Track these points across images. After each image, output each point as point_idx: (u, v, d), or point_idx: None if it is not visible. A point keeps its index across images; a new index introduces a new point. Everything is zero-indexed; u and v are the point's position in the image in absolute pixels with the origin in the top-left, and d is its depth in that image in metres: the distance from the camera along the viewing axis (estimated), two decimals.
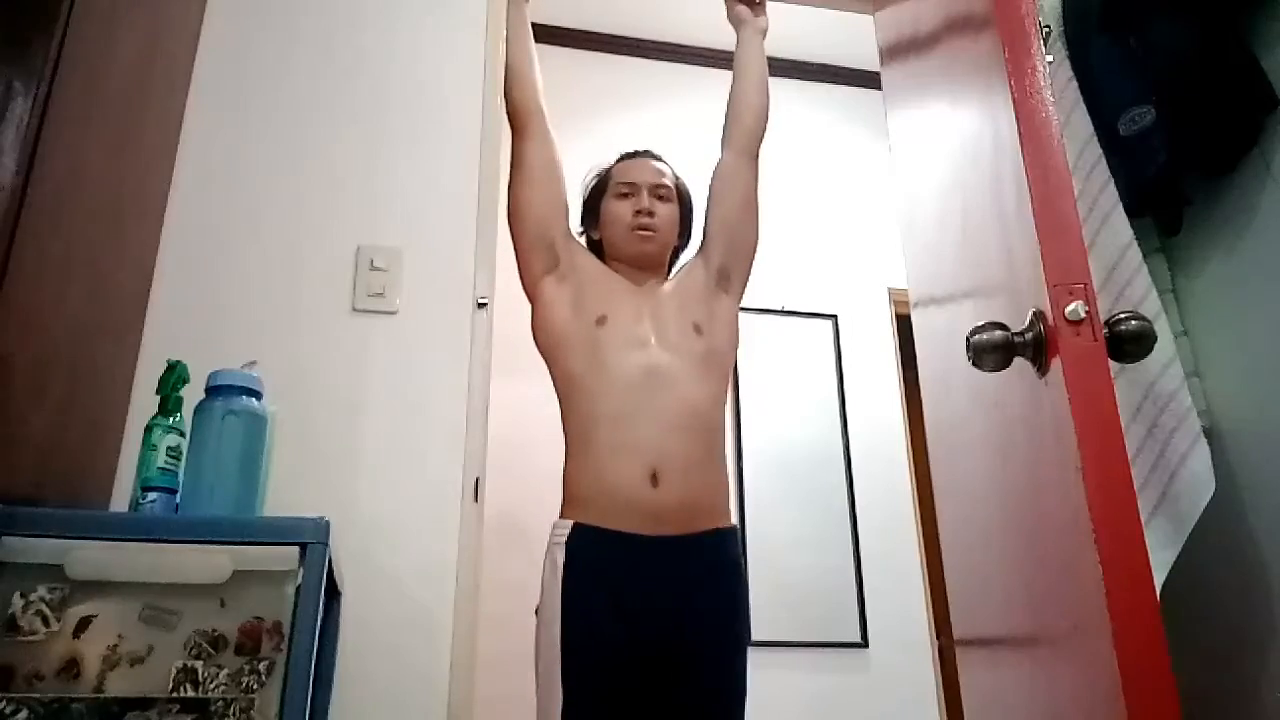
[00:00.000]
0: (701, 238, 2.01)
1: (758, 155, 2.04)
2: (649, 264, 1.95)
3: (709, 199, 2.02)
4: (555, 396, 1.82)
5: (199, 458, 1.25)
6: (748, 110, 2.06)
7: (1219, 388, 1.73)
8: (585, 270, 1.89)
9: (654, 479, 1.66)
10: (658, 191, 1.97)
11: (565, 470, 1.74)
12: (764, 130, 2.06)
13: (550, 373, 1.84)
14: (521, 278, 1.88)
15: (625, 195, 1.96)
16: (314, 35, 1.84)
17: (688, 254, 2.04)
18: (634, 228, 1.92)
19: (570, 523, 1.67)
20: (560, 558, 1.63)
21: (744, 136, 2.04)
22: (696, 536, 1.69)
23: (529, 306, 1.94)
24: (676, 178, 2.04)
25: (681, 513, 1.68)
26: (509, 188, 1.87)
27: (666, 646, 1.61)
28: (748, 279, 2.00)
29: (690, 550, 1.68)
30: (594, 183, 2.06)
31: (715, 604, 1.68)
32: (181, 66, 1.70)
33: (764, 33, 2.16)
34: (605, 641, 1.59)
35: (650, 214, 1.93)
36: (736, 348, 1.94)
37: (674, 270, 2.00)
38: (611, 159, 2.07)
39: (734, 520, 1.81)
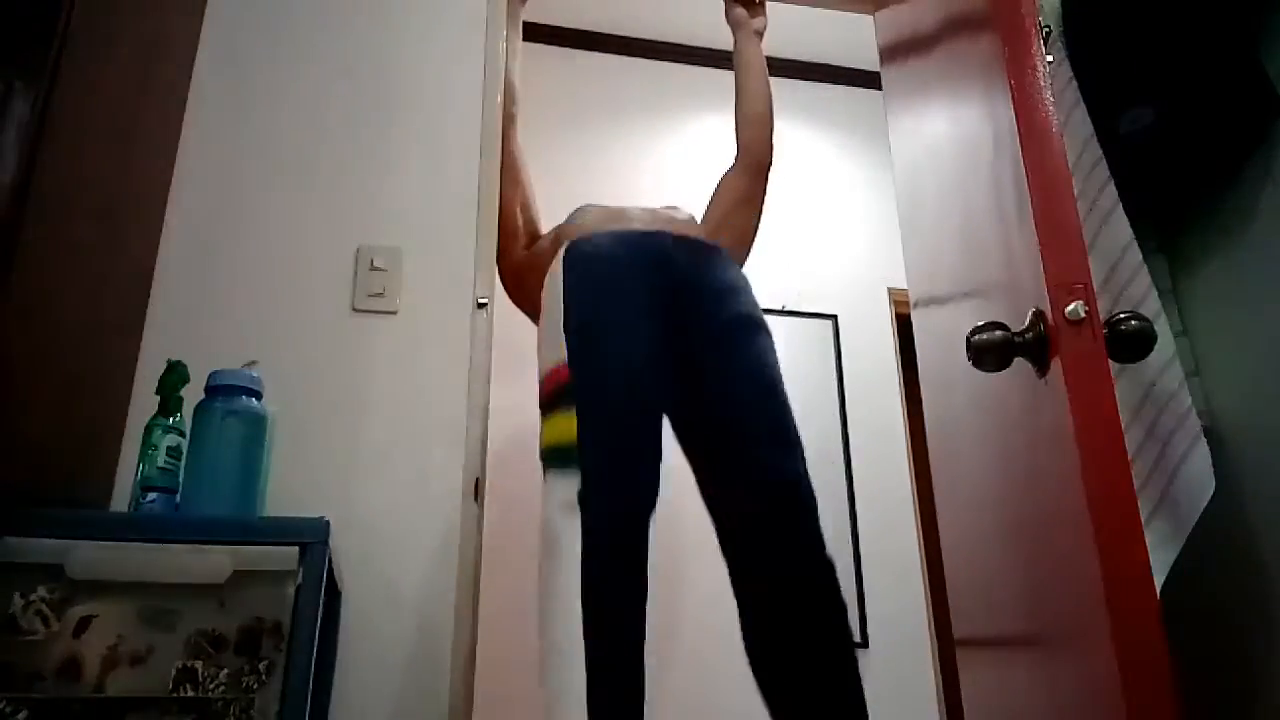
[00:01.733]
0: None
1: (764, 166, 2.05)
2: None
3: (708, 202, 2.05)
4: None
5: (199, 458, 1.25)
6: (749, 122, 2.07)
7: (1219, 388, 1.73)
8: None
9: (646, 212, 1.80)
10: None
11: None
12: (768, 139, 2.06)
13: (524, 287, 1.86)
14: (501, 272, 1.89)
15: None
16: (314, 36, 1.84)
17: None
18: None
19: (568, 241, 1.69)
20: (560, 268, 1.62)
21: (745, 148, 2.06)
22: (698, 238, 1.77)
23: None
24: None
25: (679, 226, 1.77)
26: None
27: (690, 310, 1.63)
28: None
29: (693, 241, 1.75)
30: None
31: (728, 281, 1.71)
32: (181, 67, 1.70)
33: (761, 34, 2.16)
34: (612, 313, 1.55)
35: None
36: None
37: None
38: None
39: None
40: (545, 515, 1.41)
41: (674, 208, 1.95)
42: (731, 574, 1.56)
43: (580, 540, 1.35)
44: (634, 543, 1.40)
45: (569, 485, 1.39)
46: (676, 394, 1.60)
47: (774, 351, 1.68)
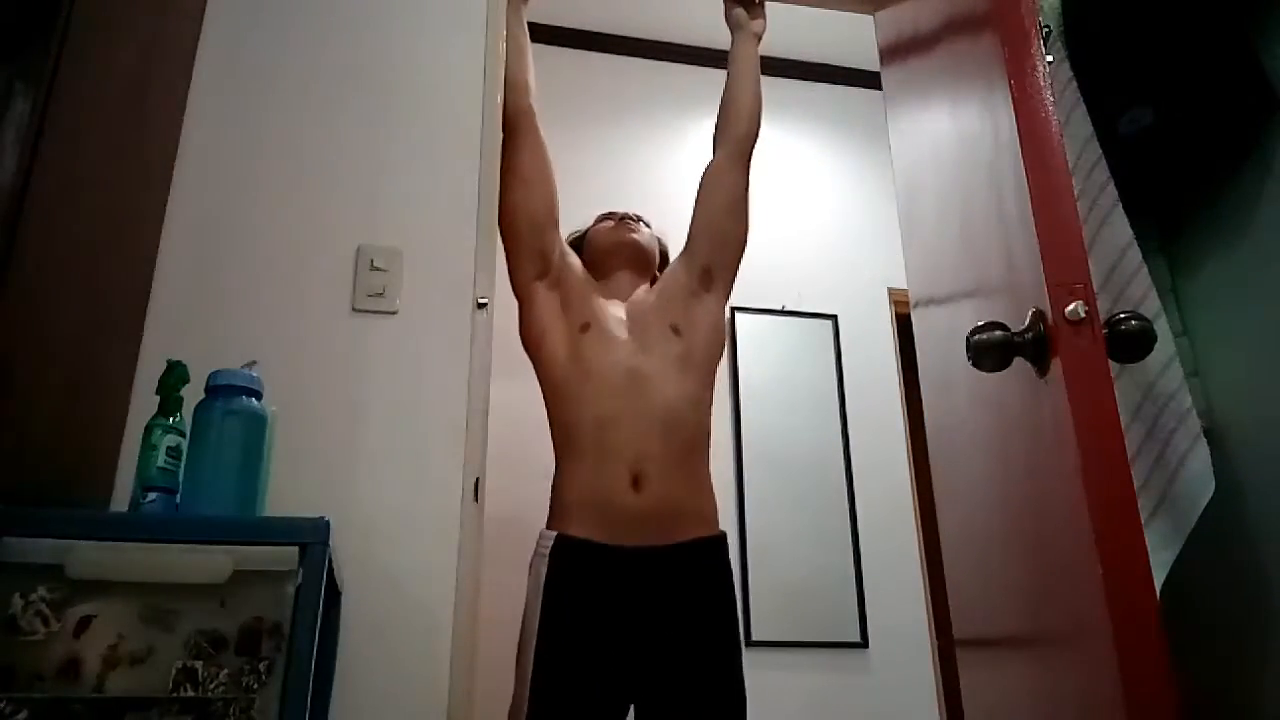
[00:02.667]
0: (687, 238, 2.02)
1: (748, 158, 2.05)
2: (634, 255, 2.00)
3: (697, 199, 2.05)
4: (553, 492, 1.83)
5: (199, 458, 1.25)
6: (740, 114, 2.06)
7: (1219, 388, 1.73)
8: (574, 279, 1.93)
9: (635, 483, 1.68)
10: (637, 216, 2.08)
11: (553, 479, 1.77)
12: (756, 134, 2.06)
13: (537, 375, 1.87)
14: (512, 278, 1.91)
15: (606, 219, 2.07)
16: (314, 35, 1.84)
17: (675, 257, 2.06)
18: (617, 226, 2.03)
19: (554, 534, 1.69)
20: (543, 570, 1.66)
21: (735, 140, 2.05)
22: (681, 546, 1.69)
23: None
24: (657, 232, 2.13)
25: (664, 518, 1.69)
26: (500, 191, 1.87)
27: (654, 659, 1.61)
28: (733, 279, 2.01)
29: (674, 561, 1.68)
30: (577, 237, 2.10)
31: (702, 613, 1.68)
32: (181, 67, 1.70)
33: (760, 36, 2.16)
34: (581, 657, 1.60)
35: (632, 219, 2.04)
36: (721, 347, 1.95)
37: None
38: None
39: (723, 526, 1.80)
40: None
41: (666, 299, 1.89)
42: None
43: None
44: None
45: None
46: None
47: (742, 681, 1.67)
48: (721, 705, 1.63)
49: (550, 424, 1.82)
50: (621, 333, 1.85)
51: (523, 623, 1.67)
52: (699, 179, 2.07)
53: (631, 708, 1.65)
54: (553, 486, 1.77)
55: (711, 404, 1.88)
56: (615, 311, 1.89)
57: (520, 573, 1.73)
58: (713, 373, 1.91)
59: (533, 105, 1.95)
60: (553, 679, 1.58)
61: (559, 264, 1.92)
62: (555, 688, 1.58)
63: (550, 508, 1.75)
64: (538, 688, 1.57)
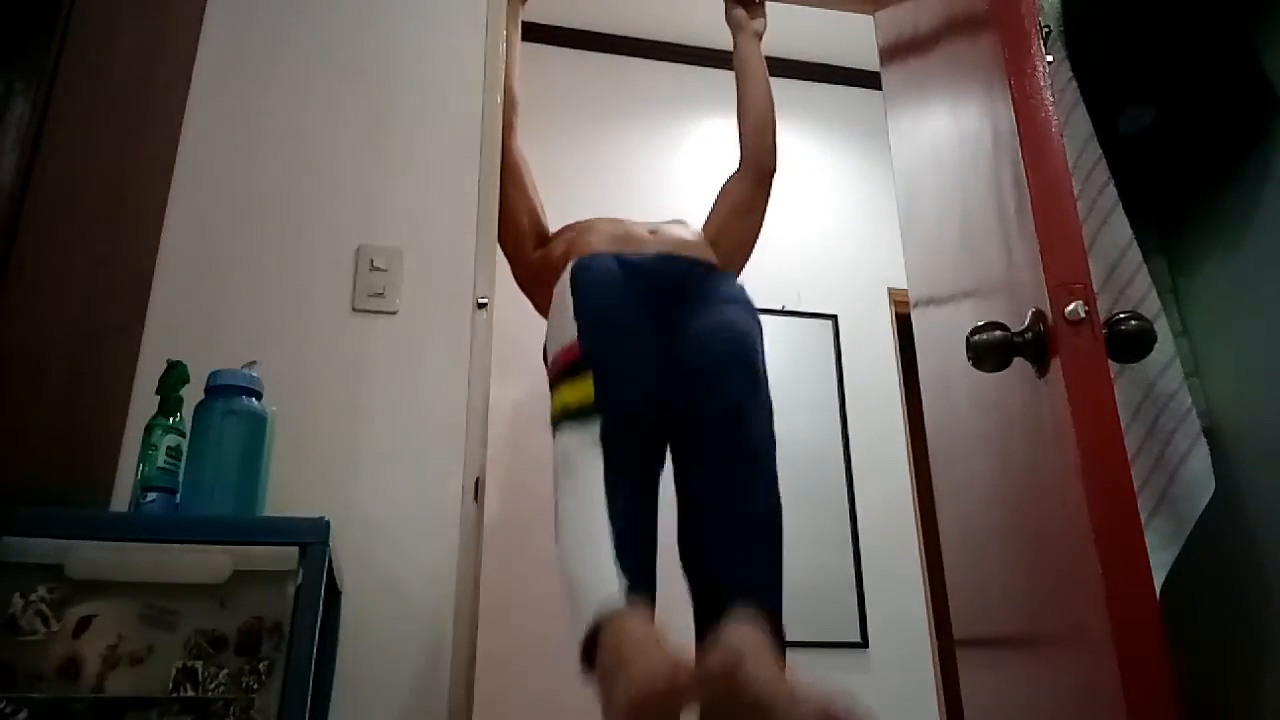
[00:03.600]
0: None
1: (768, 172, 2.04)
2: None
3: (712, 204, 2.06)
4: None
5: (199, 458, 1.25)
6: (753, 129, 2.07)
7: (1219, 388, 1.72)
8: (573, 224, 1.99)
9: (652, 232, 1.80)
10: None
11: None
12: (771, 145, 2.05)
13: (538, 291, 1.88)
14: (516, 260, 1.96)
15: None
16: (314, 36, 1.84)
17: None
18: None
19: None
20: (567, 274, 1.63)
21: (749, 154, 2.06)
22: (702, 260, 1.77)
23: (529, 306, 1.95)
24: None
25: (682, 248, 1.77)
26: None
27: (679, 309, 1.63)
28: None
29: (693, 262, 1.75)
30: None
31: (722, 292, 1.70)
32: (181, 67, 1.70)
33: (761, 36, 2.15)
34: (616, 302, 1.59)
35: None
36: None
37: None
38: None
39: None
40: (561, 453, 1.44)
41: (680, 222, 1.95)
42: (675, 477, 1.54)
43: (600, 464, 1.38)
44: (655, 445, 1.50)
45: (588, 430, 1.42)
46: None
47: (753, 325, 1.66)
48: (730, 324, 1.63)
49: (552, 273, 1.76)
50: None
51: (549, 325, 1.64)
52: (715, 184, 2.09)
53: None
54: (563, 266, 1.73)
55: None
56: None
57: (520, 572, 1.73)
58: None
59: (514, 120, 1.99)
60: (596, 330, 1.54)
61: (555, 236, 1.99)
62: (600, 334, 1.54)
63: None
64: (585, 335, 1.52)
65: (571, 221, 1.99)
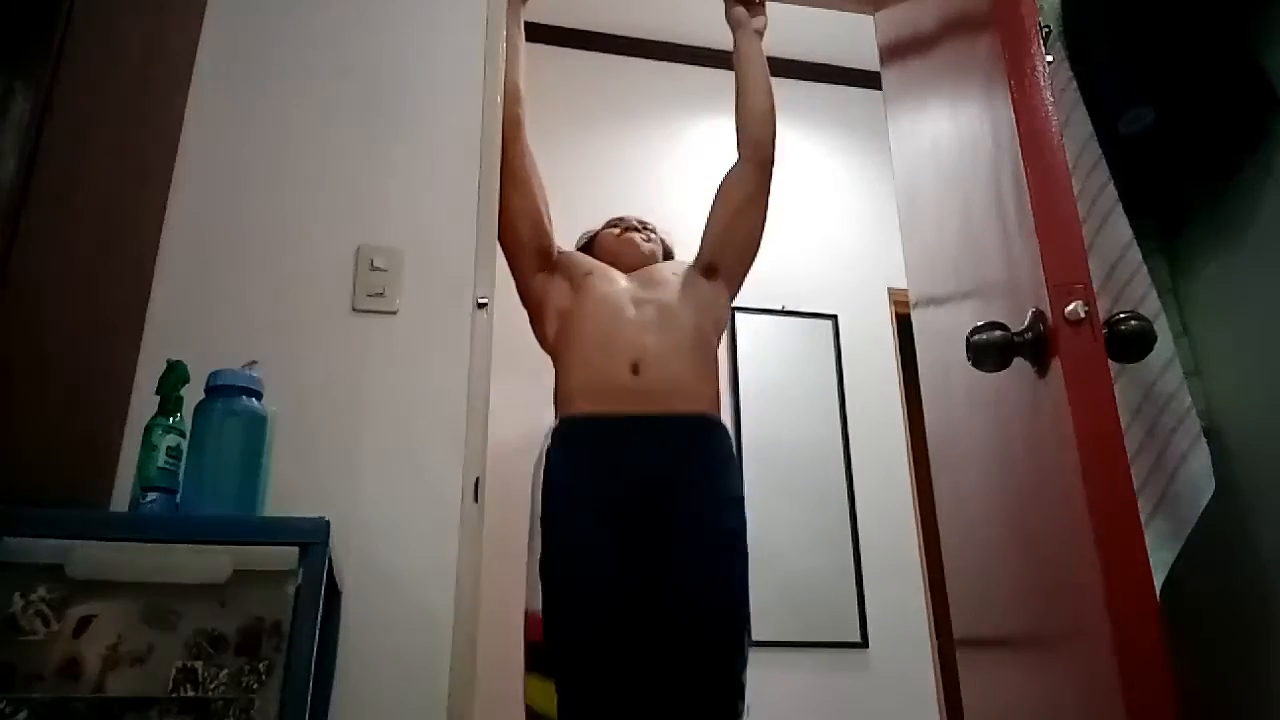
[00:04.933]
0: (700, 242, 2.04)
1: (767, 161, 2.06)
2: (637, 262, 2.03)
3: (712, 201, 2.06)
4: (555, 397, 1.84)
5: (199, 458, 1.25)
6: (751, 118, 2.08)
7: (1219, 388, 1.72)
8: (574, 257, 2.02)
9: (635, 369, 1.75)
10: (643, 224, 2.11)
11: (555, 379, 1.84)
12: (770, 136, 2.07)
13: (547, 342, 1.92)
14: (516, 276, 1.97)
15: (613, 226, 2.10)
16: (314, 35, 1.84)
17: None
18: (622, 234, 2.07)
19: (557, 420, 1.76)
20: (547, 443, 1.73)
21: (750, 144, 2.07)
22: (679, 417, 1.75)
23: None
24: (662, 234, 2.15)
25: (662, 395, 1.75)
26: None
27: (654, 509, 1.65)
28: (738, 278, 2.04)
29: (674, 427, 1.74)
30: (585, 240, 2.15)
31: (702, 472, 1.72)
32: (182, 67, 1.70)
33: (761, 34, 2.16)
34: (586, 505, 1.65)
35: (636, 228, 2.08)
36: (722, 317, 2.00)
37: None
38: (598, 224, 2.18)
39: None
40: None
41: (667, 280, 1.92)
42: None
43: None
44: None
45: None
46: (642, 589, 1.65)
47: (744, 539, 1.74)
48: (713, 563, 1.68)
49: (554, 355, 1.88)
50: (624, 281, 1.93)
51: (531, 506, 1.72)
52: (708, 179, 2.09)
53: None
54: (554, 389, 1.83)
55: (716, 341, 1.93)
56: (619, 272, 1.97)
57: (520, 572, 1.73)
58: (715, 319, 1.94)
59: (521, 114, 1.98)
60: (562, 523, 1.63)
61: (558, 257, 1.99)
62: (565, 530, 1.63)
63: (554, 407, 1.82)
64: (549, 528, 1.62)
65: (570, 254, 2.01)
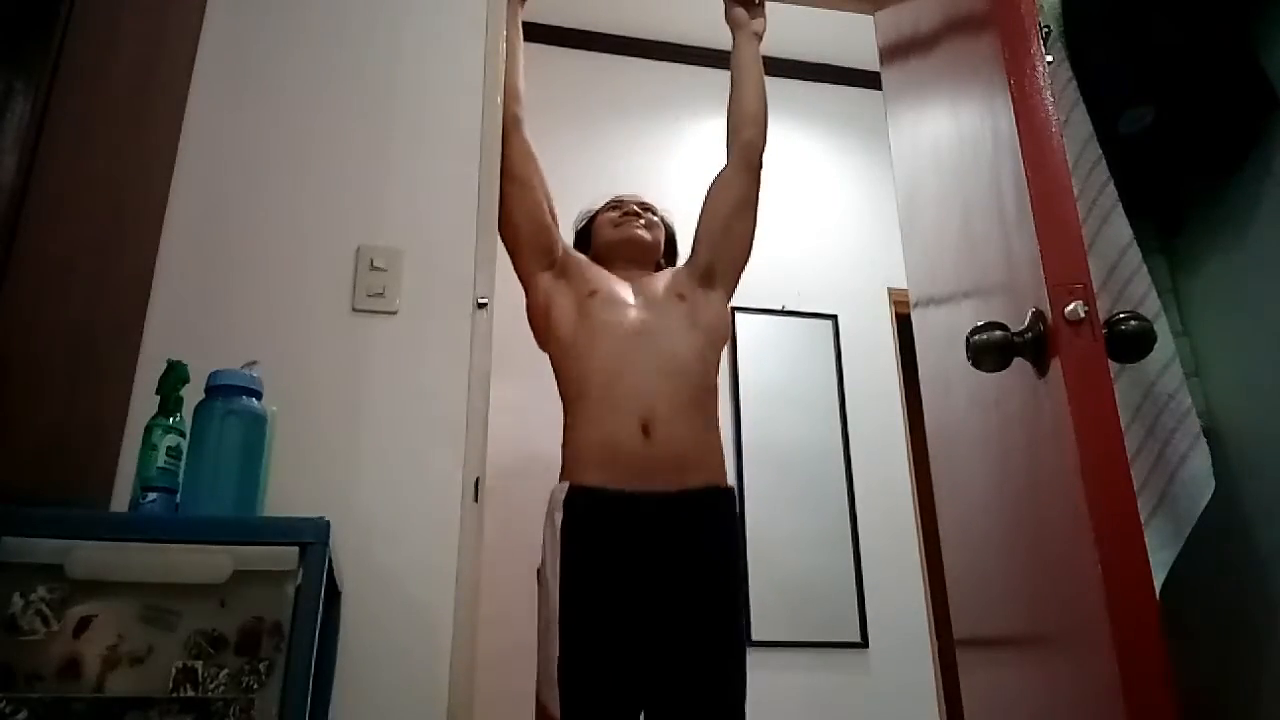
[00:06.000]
0: (692, 245, 2.04)
1: (758, 164, 2.06)
2: (638, 253, 2.02)
3: (703, 203, 2.06)
4: (556, 396, 1.84)
5: (199, 458, 1.25)
6: (744, 121, 2.08)
7: (1219, 388, 1.73)
8: (578, 263, 1.98)
9: (645, 430, 1.72)
10: (644, 206, 2.09)
11: (563, 434, 1.80)
12: (762, 140, 2.07)
13: (543, 345, 1.91)
14: (519, 273, 1.96)
15: (613, 209, 2.08)
16: (314, 36, 1.84)
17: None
18: (621, 221, 2.04)
19: (568, 484, 1.72)
20: (559, 518, 1.69)
21: (741, 147, 2.07)
22: (690, 493, 1.74)
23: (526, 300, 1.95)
24: (663, 213, 2.14)
25: (674, 466, 1.73)
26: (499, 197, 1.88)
27: (663, 600, 1.65)
28: (735, 282, 2.03)
29: (684, 507, 1.72)
30: (584, 221, 2.14)
31: (709, 560, 1.73)
32: (182, 66, 1.70)
33: (760, 36, 2.16)
34: (603, 597, 1.63)
35: (636, 213, 2.05)
36: (724, 336, 1.99)
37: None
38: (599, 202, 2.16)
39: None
40: None
41: (674, 330, 1.88)
42: None
43: None
44: None
45: None
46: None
47: (741, 630, 1.78)
48: (722, 651, 1.68)
49: (559, 380, 1.86)
50: (629, 296, 1.90)
51: (541, 575, 1.69)
52: (707, 179, 2.08)
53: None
54: (563, 441, 1.80)
55: (717, 371, 1.92)
56: (622, 284, 1.94)
57: (520, 571, 1.73)
58: (717, 346, 1.93)
59: (520, 113, 1.98)
60: (580, 620, 1.61)
61: (563, 257, 1.97)
62: (583, 628, 1.61)
63: (562, 459, 1.78)
64: (567, 627, 1.60)
65: (575, 258, 1.99)
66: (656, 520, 1.69)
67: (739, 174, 2.04)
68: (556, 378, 1.87)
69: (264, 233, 1.68)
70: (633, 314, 1.87)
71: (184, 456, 1.26)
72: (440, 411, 1.61)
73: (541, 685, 1.62)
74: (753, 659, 1.72)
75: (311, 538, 1.14)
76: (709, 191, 2.06)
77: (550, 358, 1.89)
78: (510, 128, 1.92)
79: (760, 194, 2.05)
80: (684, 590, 1.66)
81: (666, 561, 1.67)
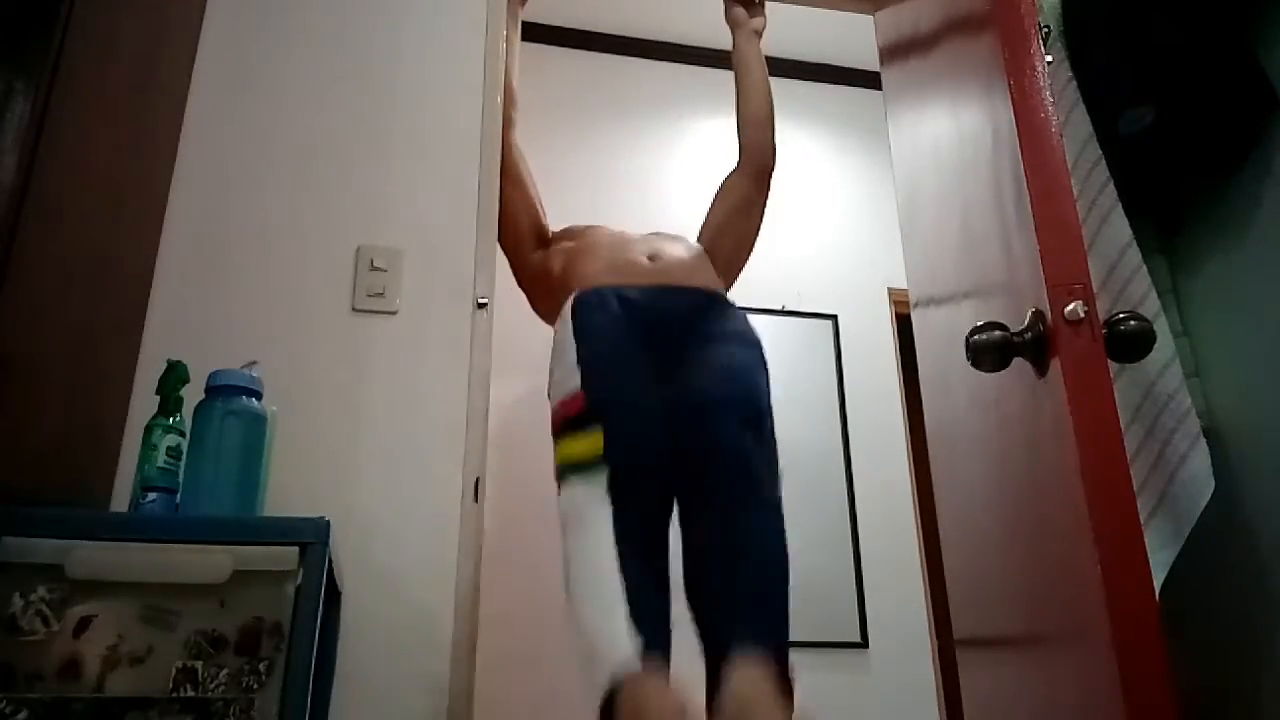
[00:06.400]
0: (697, 235, 2.03)
1: (765, 167, 2.04)
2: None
3: (712, 200, 2.05)
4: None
5: (199, 458, 1.25)
6: (751, 123, 2.07)
7: (1219, 388, 1.73)
8: (573, 227, 2.01)
9: (651, 258, 1.77)
10: None
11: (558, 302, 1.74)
12: (769, 141, 2.04)
13: (544, 302, 1.89)
14: (516, 262, 1.96)
15: None
16: (314, 36, 1.84)
17: None
18: None
19: (575, 291, 1.69)
20: (568, 310, 1.65)
21: (749, 151, 2.06)
22: (700, 288, 1.75)
23: (528, 307, 1.95)
24: None
25: (682, 275, 1.75)
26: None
27: (680, 350, 1.62)
28: (732, 278, 2.03)
29: (694, 295, 1.73)
30: None
31: (724, 328, 1.70)
32: (182, 67, 1.70)
33: (760, 34, 2.15)
34: (619, 349, 1.60)
35: None
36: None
37: None
38: None
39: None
40: (568, 506, 1.46)
41: (678, 239, 1.92)
42: (680, 520, 1.54)
43: (609, 518, 1.40)
44: (663, 495, 1.49)
45: (596, 483, 1.44)
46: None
47: (755, 361, 1.68)
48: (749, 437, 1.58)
49: (562, 278, 1.80)
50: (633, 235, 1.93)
51: (551, 368, 1.64)
52: (707, 179, 2.09)
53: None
54: (561, 286, 1.76)
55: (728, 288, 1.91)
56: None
57: (520, 572, 1.73)
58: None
59: (514, 115, 1.99)
60: (601, 369, 1.57)
61: (554, 234, 2.01)
62: (605, 375, 1.56)
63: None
64: (590, 387, 1.54)
65: (569, 226, 2.00)
66: (666, 297, 1.69)
67: (743, 177, 2.04)
68: (562, 281, 1.81)
69: (264, 233, 1.68)
70: (632, 237, 1.91)
71: (184, 456, 1.26)
72: (440, 411, 1.61)
73: (551, 388, 1.60)
74: None
75: (311, 538, 1.14)
76: (718, 189, 2.07)
77: (558, 275, 1.84)
78: (511, 126, 1.94)
79: (768, 198, 2.03)
80: (708, 363, 1.62)
81: (678, 322, 1.66)
